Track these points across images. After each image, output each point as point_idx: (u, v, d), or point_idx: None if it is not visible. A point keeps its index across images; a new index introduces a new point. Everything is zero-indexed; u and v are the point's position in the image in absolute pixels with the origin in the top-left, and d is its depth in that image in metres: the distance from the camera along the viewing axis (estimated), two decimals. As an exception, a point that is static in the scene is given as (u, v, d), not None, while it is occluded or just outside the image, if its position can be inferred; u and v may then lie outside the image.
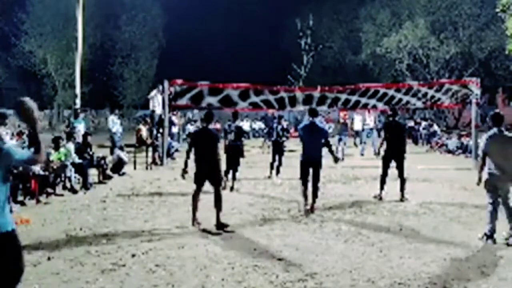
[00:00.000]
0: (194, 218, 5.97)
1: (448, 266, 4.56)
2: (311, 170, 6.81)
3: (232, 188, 8.45)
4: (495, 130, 5.30)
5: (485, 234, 5.29)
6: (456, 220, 6.34)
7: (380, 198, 7.69)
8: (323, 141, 6.88)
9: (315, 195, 6.80)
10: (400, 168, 7.63)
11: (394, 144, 7.69)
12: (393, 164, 7.70)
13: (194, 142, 6.06)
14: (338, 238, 5.46)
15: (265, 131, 18.69)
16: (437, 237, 5.52)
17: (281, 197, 7.96)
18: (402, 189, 7.63)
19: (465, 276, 4.28)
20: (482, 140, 5.39)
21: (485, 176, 5.34)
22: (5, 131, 8.30)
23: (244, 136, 9.77)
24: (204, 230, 5.79)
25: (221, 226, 5.83)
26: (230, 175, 8.61)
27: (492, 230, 5.26)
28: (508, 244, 5.16)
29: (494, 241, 5.22)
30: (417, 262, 4.64)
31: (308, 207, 6.72)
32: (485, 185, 5.33)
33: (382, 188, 7.75)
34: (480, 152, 5.42)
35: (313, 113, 7.08)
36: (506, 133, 5.33)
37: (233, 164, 8.54)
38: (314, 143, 6.80)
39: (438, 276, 4.28)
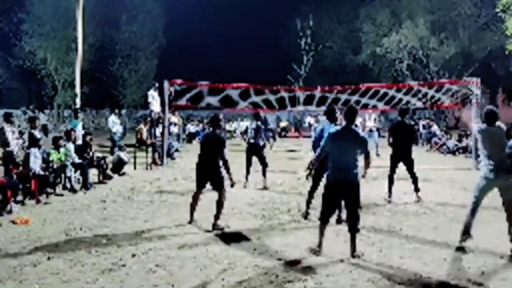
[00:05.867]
0: (191, 217, 6.13)
1: (448, 266, 4.56)
2: (341, 197, 5.02)
3: (265, 187, 8.75)
4: (486, 125, 5.07)
5: (463, 233, 5.06)
6: (456, 220, 6.32)
7: (390, 201, 7.56)
8: (358, 153, 4.93)
9: (353, 232, 4.84)
10: (410, 169, 7.60)
11: (401, 146, 7.66)
12: (400, 164, 7.70)
13: (200, 145, 6.20)
14: (338, 238, 5.45)
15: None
16: (437, 237, 5.52)
17: (281, 197, 7.96)
18: (416, 189, 7.57)
19: (465, 276, 4.28)
20: (474, 132, 5.30)
21: (481, 173, 5.10)
22: (12, 130, 8.34)
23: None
24: (204, 230, 5.80)
25: (216, 228, 5.85)
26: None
27: (469, 226, 5.02)
28: None
29: (469, 236, 5.01)
30: (417, 262, 4.63)
31: (319, 249, 4.92)
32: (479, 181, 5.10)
33: (390, 190, 7.67)
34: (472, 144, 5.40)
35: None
36: (500, 125, 5.08)
37: (261, 163, 8.92)
38: (347, 156, 4.84)
39: (438, 276, 4.28)
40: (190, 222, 6.07)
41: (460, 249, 5.04)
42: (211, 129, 6.18)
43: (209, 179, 5.99)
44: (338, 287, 4.04)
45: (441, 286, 4.07)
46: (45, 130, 12.34)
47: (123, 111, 28.33)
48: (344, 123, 5.00)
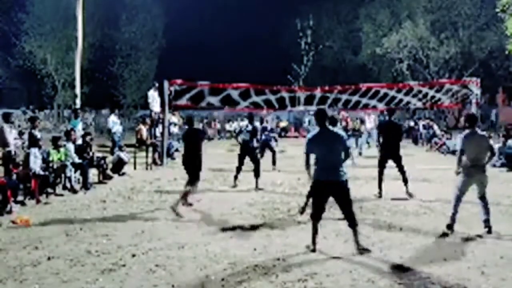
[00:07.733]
0: (183, 201, 6.93)
1: (448, 266, 4.56)
2: (330, 197, 5.04)
3: (258, 187, 8.65)
4: (468, 130, 5.75)
5: (448, 224, 5.71)
6: (456, 220, 6.32)
7: (380, 196, 7.76)
8: (343, 152, 4.97)
9: (353, 227, 4.95)
10: (399, 167, 7.75)
11: (390, 144, 7.80)
12: (391, 163, 7.81)
13: (183, 140, 7.27)
14: (338, 238, 5.45)
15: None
16: (437, 237, 5.52)
17: (281, 197, 7.96)
18: (405, 184, 7.73)
19: (465, 276, 4.28)
20: (459, 140, 5.83)
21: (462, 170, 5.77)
22: (10, 129, 8.35)
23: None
24: (204, 230, 5.80)
25: (175, 207, 6.63)
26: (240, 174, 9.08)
27: (454, 220, 5.71)
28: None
29: (452, 231, 5.61)
30: (417, 262, 4.64)
31: (314, 246, 4.99)
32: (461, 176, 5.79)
33: (380, 186, 7.84)
34: (458, 150, 5.84)
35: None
36: (479, 132, 5.75)
37: (253, 163, 8.84)
38: (331, 157, 4.90)
39: (438, 276, 4.28)
40: (182, 204, 6.82)
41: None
42: (188, 126, 7.40)
43: (190, 166, 6.89)
44: (338, 287, 4.04)
45: (441, 286, 4.07)
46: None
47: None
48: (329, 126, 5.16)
